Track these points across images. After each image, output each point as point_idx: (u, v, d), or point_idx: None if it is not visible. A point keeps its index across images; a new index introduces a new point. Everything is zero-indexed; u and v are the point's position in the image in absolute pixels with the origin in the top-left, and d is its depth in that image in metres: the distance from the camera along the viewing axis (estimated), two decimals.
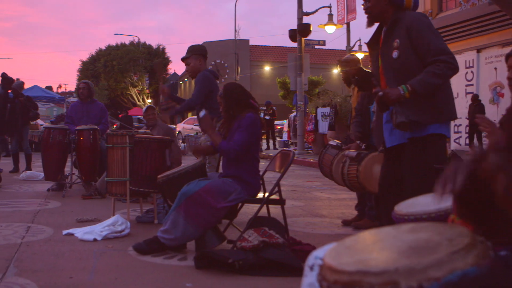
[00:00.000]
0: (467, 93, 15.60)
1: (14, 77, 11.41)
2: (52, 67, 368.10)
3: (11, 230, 5.12)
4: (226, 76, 41.64)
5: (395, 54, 3.48)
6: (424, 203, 2.48)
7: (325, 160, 5.65)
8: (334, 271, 1.17)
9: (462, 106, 15.10)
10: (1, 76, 11.06)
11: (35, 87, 25.96)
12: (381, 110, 3.59)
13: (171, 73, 57.27)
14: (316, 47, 23.66)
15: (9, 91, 11.01)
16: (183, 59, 6.05)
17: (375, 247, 1.30)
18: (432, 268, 1.07)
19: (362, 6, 3.67)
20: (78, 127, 7.89)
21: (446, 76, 3.38)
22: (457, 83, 15.48)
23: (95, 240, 4.73)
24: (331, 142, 5.77)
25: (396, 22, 3.49)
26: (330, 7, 19.92)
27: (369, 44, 3.79)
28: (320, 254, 1.57)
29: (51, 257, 4.16)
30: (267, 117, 20.84)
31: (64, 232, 5.03)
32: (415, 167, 3.46)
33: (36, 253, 4.27)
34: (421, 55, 3.40)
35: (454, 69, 3.38)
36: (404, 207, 2.46)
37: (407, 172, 3.51)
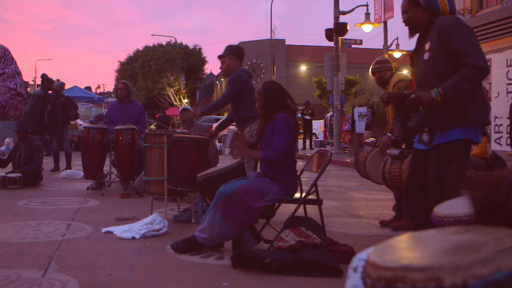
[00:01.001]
0: (508, 92, 15.23)
1: (54, 78, 11.69)
2: (91, 68, 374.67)
3: (52, 228, 5.23)
4: (262, 76, 41.68)
5: (426, 56, 3.52)
6: (464, 204, 2.44)
7: (360, 158, 5.63)
8: (378, 267, 1.16)
9: (503, 105, 14.75)
10: (41, 77, 11.33)
11: (75, 88, 26.49)
12: (411, 112, 3.61)
13: (207, 73, 57.63)
14: (353, 46, 23.43)
15: (49, 91, 11.26)
16: (219, 57, 6.09)
17: (418, 247, 1.28)
18: (477, 266, 1.05)
19: (402, 20, 3.69)
20: (116, 127, 8.00)
21: (477, 80, 3.36)
22: (498, 82, 15.14)
23: (133, 238, 4.79)
24: (367, 140, 5.73)
25: (429, 26, 3.50)
26: (367, 5, 19.74)
27: (411, 55, 3.80)
28: (364, 256, 1.56)
29: (91, 255, 4.23)
30: (307, 117, 20.78)
31: (103, 230, 5.11)
32: (438, 173, 3.44)
33: (76, 250, 4.35)
34: (452, 58, 3.38)
35: (485, 72, 3.37)
36: (443, 208, 2.43)
37: (431, 178, 3.50)
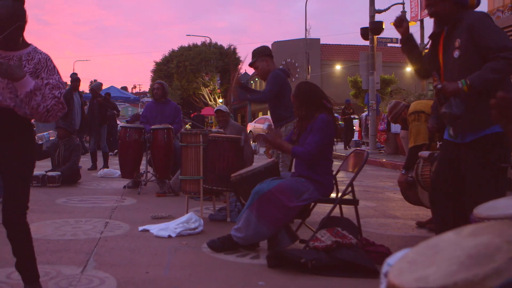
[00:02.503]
0: None
1: (92, 78, 11.97)
2: (127, 68, 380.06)
3: (90, 225, 5.32)
4: (297, 75, 41.58)
5: (456, 53, 3.43)
6: (505, 205, 2.39)
7: (411, 196, 5.54)
8: None
9: None
10: (70, 77, 11.56)
11: (112, 88, 26.93)
12: (439, 103, 3.55)
13: (242, 73, 57.88)
14: (389, 45, 23.25)
15: (76, 91, 11.43)
16: (250, 65, 6.06)
17: (435, 259, 1.30)
18: (491, 278, 1.07)
19: (427, 13, 3.61)
20: (152, 126, 8.09)
21: (505, 72, 3.28)
22: None
23: (169, 236, 4.83)
24: (422, 154, 5.44)
25: (458, 22, 3.42)
26: (403, 3, 19.54)
27: (431, 37, 3.73)
28: (392, 261, 1.57)
29: (128, 252, 4.29)
30: (352, 116, 20.71)
31: (140, 228, 5.17)
32: (479, 169, 3.36)
33: (114, 248, 4.41)
34: (483, 54, 3.31)
35: None
36: (484, 210, 2.38)
37: (471, 175, 3.41)
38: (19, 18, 2.91)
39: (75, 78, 11.23)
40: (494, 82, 3.26)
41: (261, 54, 5.97)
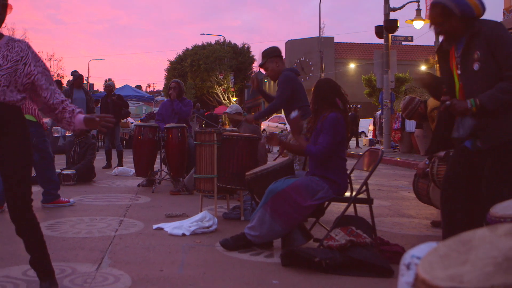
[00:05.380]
0: None
1: (106, 77, 12.01)
2: (141, 67, 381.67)
3: (105, 223, 5.35)
4: (311, 74, 41.48)
5: (476, 66, 3.37)
6: None
7: (420, 190, 5.50)
8: (428, 285, 1.14)
9: None
10: (71, 75, 11.58)
11: (126, 87, 27.04)
12: (440, 119, 3.54)
13: (256, 71, 57.81)
14: (404, 43, 23.04)
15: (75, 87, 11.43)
16: (260, 66, 6.08)
17: (469, 257, 1.24)
18: None
19: (434, 31, 3.57)
20: (167, 125, 8.13)
21: None
22: None
23: (183, 235, 4.85)
24: (439, 154, 5.43)
25: (476, 34, 3.35)
26: (418, 1, 19.33)
27: (438, 52, 3.70)
28: (416, 253, 1.53)
29: (142, 250, 4.31)
30: (351, 114, 20.57)
31: (154, 226, 5.19)
32: (499, 172, 3.34)
33: (128, 246, 4.44)
34: (500, 67, 3.27)
35: None
36: (501, 209, 2.37)
37: (490, 177, 3.38)
38: None
39: (77, 75, 11.28)
40: (504, 103, 3.24)
41: (270, 55, 5.98)
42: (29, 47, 3.06)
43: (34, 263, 3.09)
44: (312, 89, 4.61)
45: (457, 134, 3.46)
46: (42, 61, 3.11)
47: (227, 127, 9.20)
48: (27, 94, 3.08)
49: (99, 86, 74.72)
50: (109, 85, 12.10)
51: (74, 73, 11.42)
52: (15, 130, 2.99)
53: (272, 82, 7.24)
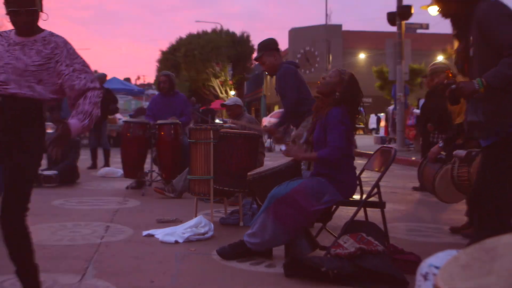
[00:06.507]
0: None
1: (92, 69, 11.96)
2: (130, 58, 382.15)
3: (90, 230, 5.34)
4: (316, 65, 41.48)
5: (471, 52, 3.40)
6: None
7: (426, 174, 5.47)
8: None
9: None
10: None
11: (113, 79, 27.06)
12: (451, 103, 3.53)
13: (256, 63, 57.91)
14: (418, 31, 23.17)
15: None
16: (256, 59, 6.08)
17: (494, 267, 1.23)
18: None
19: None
20: (158, 121, 8.10)
21: None
22: None
23: (176, 242, 4.84)
24: (456, 153, 5.41)
25: (471, 18, 3.37)
26: None
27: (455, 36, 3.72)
28: (434, 262, 1.52)
29: (131, 259, 4.30)
30: None
31: (144, 233, 5.18)
32: (501, 169, 3.34)
33: (116, 255, 4.43)
34: (495, 50, 3.27)
35: None
36: None
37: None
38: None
39: None
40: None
41: (267, 48, 5.98)
42: (66, 43, 3.13)
43: (21, 275, 3.07)
44: (338, 78, 4.43)
45: (475, 118, 3.43)
46: (80, 58, 3.17)
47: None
48: (58, 95, 3.17)
49: None
50: (99, 77, 12.08)
51: None
52: (34, 127, 3.08)
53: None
